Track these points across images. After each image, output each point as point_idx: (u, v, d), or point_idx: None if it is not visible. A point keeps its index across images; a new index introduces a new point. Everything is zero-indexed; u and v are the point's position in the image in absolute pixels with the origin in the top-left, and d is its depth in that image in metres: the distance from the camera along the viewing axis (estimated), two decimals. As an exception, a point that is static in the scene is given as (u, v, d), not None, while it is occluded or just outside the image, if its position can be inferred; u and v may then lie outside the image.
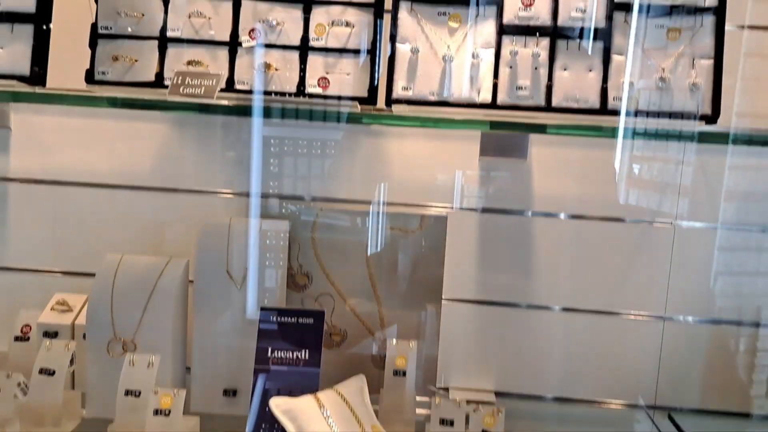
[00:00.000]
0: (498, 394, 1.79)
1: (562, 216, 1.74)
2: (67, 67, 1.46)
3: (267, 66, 1.44)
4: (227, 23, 1.46)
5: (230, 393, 1.62)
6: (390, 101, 1.42)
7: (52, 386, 1.48)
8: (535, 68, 1.40)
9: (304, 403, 1.42)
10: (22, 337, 1.66)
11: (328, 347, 1.70)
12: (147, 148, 1.78)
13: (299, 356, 1.53)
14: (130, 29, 1.46)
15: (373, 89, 1.44)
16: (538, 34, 1.40)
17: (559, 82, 1.40)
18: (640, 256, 1.75)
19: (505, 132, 1.54)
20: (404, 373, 1.58)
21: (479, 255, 1.78)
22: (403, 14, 1.43)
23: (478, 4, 1.41)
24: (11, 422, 1.47)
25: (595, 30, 1.39)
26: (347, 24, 1.44)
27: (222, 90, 1.41)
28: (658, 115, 1.39)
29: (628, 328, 1.77)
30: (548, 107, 1.40)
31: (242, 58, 1.46)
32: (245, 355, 1.57)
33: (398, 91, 1.42)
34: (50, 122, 1.77)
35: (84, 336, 1.59)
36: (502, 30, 1.41)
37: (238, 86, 1.45)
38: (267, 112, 1.46)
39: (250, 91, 1.45)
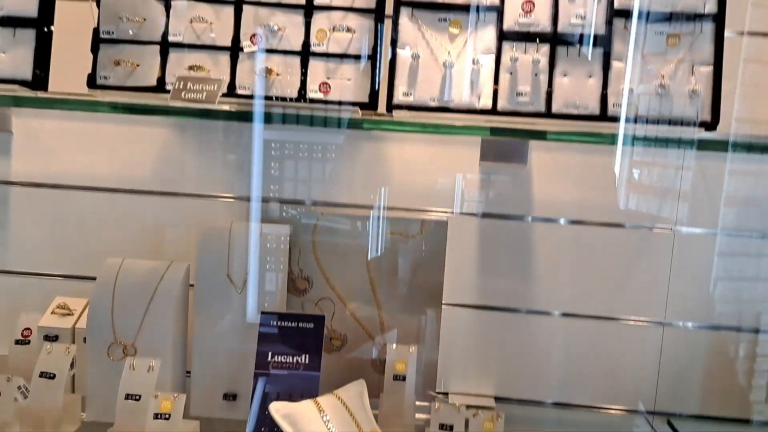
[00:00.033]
0: (497, 399, 1.79)
1: (562, 221, 1.75)
2: (68, 72, 1.46)
3: (268, 71, 1.45)
4: (229, 28, 1.47)
5: (230, 397, 1.62)
6: (390, 107, 1.43)
7: (53, 390, 1.48)
8: (535, 74, 1.40)
9: (304, 407, 1.42)
10: (23, 341, 1.66)
11: (328, 351, 1.70)
12: (148, 152, 1.78)
13: (299, 360, 1.53)
14: (131, 33, 1.46)
15: (373, 94, 1.44)
16: (538, 40, 1.40)
17: (559, 89, 1.40)
18: (639, 262, 1.75)
19: (505, 137, 1.54)
20: (404, 378, 1.58)
21: (479, 260, 1.78)
22: (404, 20, 1.43)
23: (478, 11, 1.42)
24: (11, 426, 1.48)
25: (595, 36, 1.39)
26: (348, 29, 1.45)
27: (223, 95, 1.42)
28: (658, 121, 1.39)
29: (627, 333, 1.77)
30: (548, 113, 1.40)
31: (243, 63, 1.46)
32: (245, 360, 1.57)
33: (399, 97, 1.42)
34: (51, 126, 1.78)
35: (84, 340, 1.59)
36: (503, 36, 1.41)
37: (239, 91, 1.46)
38: (268, 118, 1.47)
39: (251, 96, 1.45)
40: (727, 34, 1.40)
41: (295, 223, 1.71)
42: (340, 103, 1.45)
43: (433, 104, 1.42)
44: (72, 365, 1.53)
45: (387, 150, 1.76)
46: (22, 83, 1.45)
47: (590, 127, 1.40)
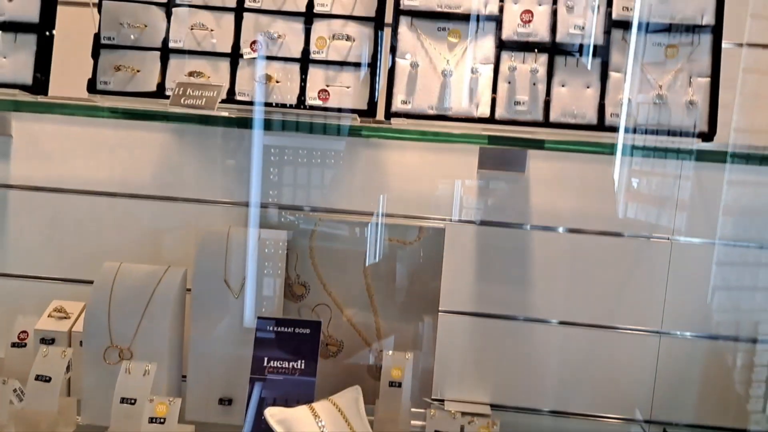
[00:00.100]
0: (494, 406, 1.79)
1: (560, 230, 1.75)
2: (69, 77, 1.47)
3: (268, 78, 1.45)
4: (229, 35, 1.48)
5: (226, 402, 1.62)
6: (389, 114, 1.43)
7: (48, 393, 1.48)
8: (534, 84, 1.41)
9: (300, 413, 1.42)
10: (19, 344, 1.67)
11: (325, 357, 1.71)
12: (147, 157, 1.79)
13: (295, 366, 1.53)
14: (132, 38, 1.47)
15: (372, 102, 1.45)
16: (536, 50, 1.41)
17: (557, 98, 1.41)
18: (637, 271, 1.76)
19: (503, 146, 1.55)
20: (400, 384, 1.58)
21: (477, 267, 1.78)
22: (403, 29, 1.44)
23: (477, 20, 1.42)
24: (6, 428, 1.48)
25: (593, 47, 1.40)
26: (348, 38, 1.46)
27: (223, 101, 1.42)
28: (656, 131, 1.39)
29: (625, 342, 1.77)
30: (546, 122, 1.41)
31: (243, 70, 1.47)
32: (241, 365, 1.57)
33: (397, 105, 1.43)
34: (51, 130, 1.78)
35: (81, 343, 1.59)
36: (501, 46, 1.42)
37: (238, 97, 1.47)
38: (267, 124, 1.47)
39: (250, 103, 1.46)
40: (725, 45, 1.40)
41: (293, 229, 1.71)
42: (339, 110, 1.46)
43: (432, 112, 1.43)
44: (68, 368, 1.53)
45: (385, 157, 1.76)
46: (23, 88, 1.46)
47: (588, 137, 1.41)
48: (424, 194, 1.76)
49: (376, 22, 1.46)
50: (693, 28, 1.40)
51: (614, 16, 1.40)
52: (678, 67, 1.40)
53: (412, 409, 1.60)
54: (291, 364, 1.53)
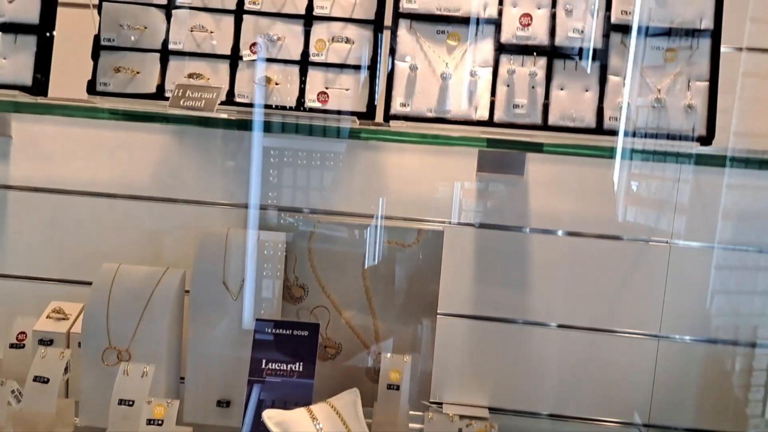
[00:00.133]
0: (492, 409, 1.78)
1: (559, 233, 1.75)
2: (68, 78, 1.47)
3: (267, 80, 1.46)
4: (229, 37, 1.48)
5: (224, 404, 1.62)
6: (388, 117, 1.43)
7: (46, 394, 1.48)
8: (532, 87, 1.41)
9: (297, 415, 1.42)
10: (18, 345, 1.67)
11: (323, 360, 1.71)
12: (147, 158, 1.79)
13: (293, 368, 1.53)
14: (133, 39, 1.47)
15: (371, 105, 1.45)
16: (535, 53, 1.41)
17: (556, 101, 1.41)
18: (636, 275, 1.75)
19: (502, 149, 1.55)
20: (398, 387, 1.58)
21: (475, 270, 1.78)
22: (403, 32, 1.44)
23: (477, 24, 1.43)
24: (4, 429, 1.48)
25: (592, 50, 1.40)
26: (347, 40, 1.46)
27: (222, 103, 1.42)
28: (655, 135, 1.40)
29: (623, 346, 1.77)
30: (545, 126, 1.41)
31: (243, 72, 1.47)
32: (239, 367, 1.57)
33: (396, 107, 1.43)
34: (51, 131, 1.78)
35: (79, 344, 1.59)
36: (500, 49, 1.42)
37: (238, 99, 1.47)
38: (267, 126, 1.47)
39: (250, 105, 1.46)
40: (725, 49, 1.41)
41: (292, 231, 1.71)
42: (338, 112, 1.46)
43: (431, 115, 1.43)
44: (66, 370, 1.53)
45: (384, 159, 1.76)
46: (22, 89, 1.46)
47: (586, 140, 1.41)
48: (423, 197, 1.76)
49: (376, 24, 1.46)
50: (692, 32, 1.40)
51: (613, 20, 1.40)
52: (677, 70, 1.40)
53: (410, 412, 1.60)
54: (289, 366, 1.53)
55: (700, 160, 1.46)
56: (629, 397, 1.78)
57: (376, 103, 1.45)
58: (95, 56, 1.48)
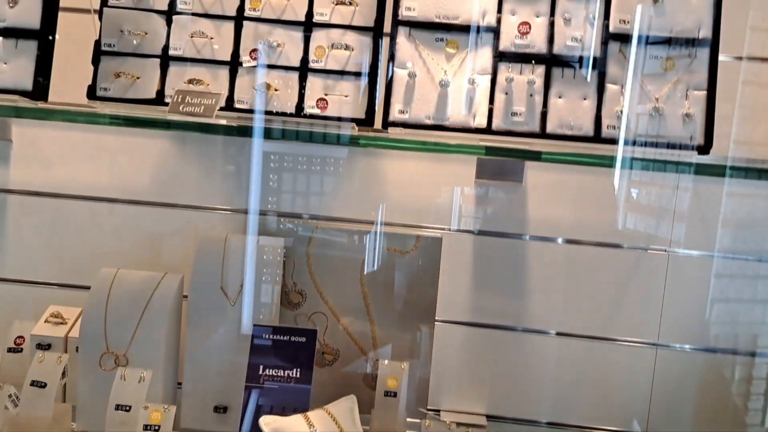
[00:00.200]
0: (489, 417, 1.78)
1: (558, 240, 1.75)
2: (69, 83, 1.48)
3: (267, 86, 1.46)
4: (229, 43, 1.49)
5: (221, 409, 1.62)
6: (386, 124, 1.44)
7: (44, 399, 1.48)
8: (530, 95, 1.41)
9: (294, 421, 1.42)
10: (15, 349, 1.66)
11: (320, 366, 1.70)
12: (146, 163, 1.79)
13: (291, 374, 1.53)
14: (135, 44, 1.48)
15: (370, 111, 1.45)
16: (533, 61, 1.42)
17: (554, 109, 1.41)
18: (635, 283, 1.75)
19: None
20: (395, 394, 1.58)
21: (474, 277, 1.78)
22: (402, 39, 1.45)
23: (476, 32, 1.43)
24: (1, 434, 1.48)
25: (591, 59, 1.41)
26: (346, 47, 1.46)
27: (222, 109, 1.43)
28: (654, 144, 1.40)
29: (622, 354, 1.77)
30: (543, 133, 1.41)
31: (242, 78, 1.48)
32: (237, 372, 1.56)
33: (395, 114, 1.44)
34: (51, 135, 1.79)
35: (77, 349, 1.59)
36: (499, 57, 1.43)
37: (238, 105, 1.47)
38: (266, 132, 1.48)
39: (249, 111, 1.47)
40: (724, 58, 1.41)
41: (290, 236, 1.71)
42: (337, 119, 1.46)
43: (429, 122, 1.43)
44: (63, 374, 1.53)
45: (383, 166, 1.77)
46: (23, 93, 1.46)
47: (584, 148, 1.41)
48: (421, 203, 1.76)
49: (375, 32, 1.46)
50: (690, 41, 1.40)
51: (611, 28, 1.41)
52: (674, 80, 1.40)
53: (408, 419, 1.59)
54: (286, 372, 1.53)
55: (700, 168, 1.46)
56: (628, 406, 1.78)
57: (375, 109, 1.46)
58: (96, 61, 1.49)
